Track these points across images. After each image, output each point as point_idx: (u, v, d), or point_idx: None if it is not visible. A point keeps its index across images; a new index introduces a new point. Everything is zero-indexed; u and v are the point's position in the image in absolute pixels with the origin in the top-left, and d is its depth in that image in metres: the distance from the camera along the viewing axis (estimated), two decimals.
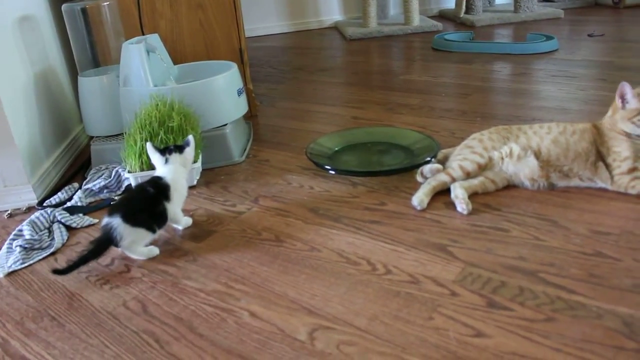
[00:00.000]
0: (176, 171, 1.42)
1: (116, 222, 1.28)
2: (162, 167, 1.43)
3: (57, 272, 1.28)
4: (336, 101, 2.51)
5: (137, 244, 1.33)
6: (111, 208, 1.33)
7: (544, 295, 1.09)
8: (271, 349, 1.02)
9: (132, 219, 1.30)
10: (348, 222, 1.43)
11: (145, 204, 1.35)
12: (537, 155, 1.48)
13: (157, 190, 1.38)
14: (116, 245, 1.30)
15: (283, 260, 1.29)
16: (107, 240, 1.29)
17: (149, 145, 1.45)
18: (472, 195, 1.47)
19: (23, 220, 1.58)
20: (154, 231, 1.35)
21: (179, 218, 1.44)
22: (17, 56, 1.81)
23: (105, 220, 1.30)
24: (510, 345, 0.97)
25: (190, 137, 1.48)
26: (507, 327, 1.02)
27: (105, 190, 1.74)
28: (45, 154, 1.90)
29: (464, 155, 1.54)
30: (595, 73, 2.58)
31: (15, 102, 1.73)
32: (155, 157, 1.44)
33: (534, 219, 1.36)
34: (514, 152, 1.50)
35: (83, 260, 1.27)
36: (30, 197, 1.72)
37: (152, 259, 1.34)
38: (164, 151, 1.44)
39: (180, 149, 1.45)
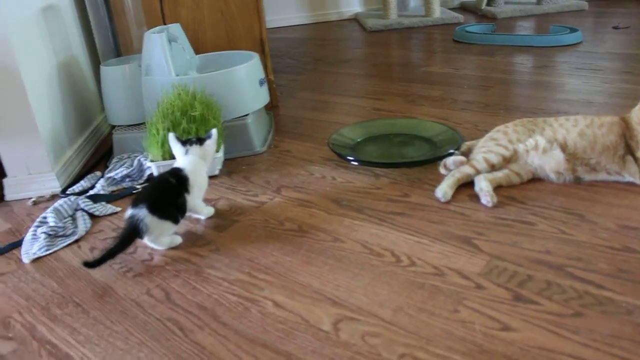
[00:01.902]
0: (195, 163, 1.41)
1: (142, 213, 1.27)
2: (182, 158, 1.42)
3: (87, 264, 1.26)
4: (357, 92, 2.50)
5: (162, 235, 1.32)
6: (135, 199, 1.32)
7: (572, 290, 1.07)
8: (295, 339, 1.01)
9: (159, 211, 1.29)
10: (371, 214, 1.42)
11: (170, 196, 1.34)
12: (564, 148, 1.46)
13: (178, 181, 1.36)
14: (141, 238, 1.30)
15: (306, 251, 1.28)
16: (133, 233, 1.28)
17: (170, 136, 1.44)
18: (497, 188, 1.45)
19: (47, 207, 1.59)
20: (177, 222, 1.35)
21: (200, 209, 1.44)
22: (41, 46, 1.82)
23: (130, 211, 1.29)
24: (538, 339, 0.96)
25: (214, 131, 1.47)
26: (534, 321, 1.00)
27: (127, 179, 1.74)
28: (68, 142, 1.91)
29: (488, 148, 1.52)
30: (620, 66, 2.53)
31: (39, 91, 1.74)
32: (176, 148, 1.44)
33: (560, 213, 1.34)
34: (539, 145, 1.47)
35: (111, 253, 1.26)
36: (54, 185, 1.73)
37: (175, 248, 1.34)
38: (185, 142, 1.43)
39: (201, 141, 1.44)
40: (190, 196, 1.37)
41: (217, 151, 1.63)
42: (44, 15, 1.87)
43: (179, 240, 1.36)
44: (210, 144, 1.45)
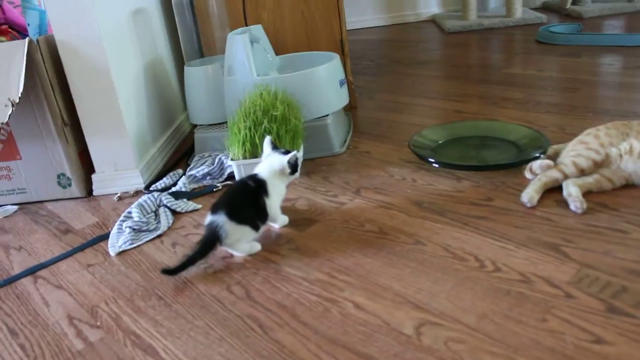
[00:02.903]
0: (270, 169, 1.39)
1: (221, 220, 1.27)
2: (262, 163, 1.41)
3: (166, 272, 1.27)
4: (436, 94, 2.45)
5: (241, 241, 1.31)
6: (214, 205, 1.31)
7: None
8: (376, 341, 1.00)
9: (237, 216, 1.28)
10: (453, 217, 1.38)
11: (248, 200, 1.33)
12: None
13: (257, 185, 1.35)
14: (221, 244, 1.29)
15: (387, 253, 1.26)
16: (213, 239, 1.27)
17: (267, 139, 1.45)
18: (587, 194, 1.39)
19: (131, 203, 1.65)
20: (257, 229, 1.33)
21: (276, 216, 1.41)
22: (130, 48, 1.89)
23: (209, 218, 1.29)
24: (635, 355, 0.90)
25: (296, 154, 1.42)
26: (630, 335, 0.94)
27: (208, 177, 1.78)
28: (152, 140, 1.97)
29: (577, 152, 1.46)
30: None
31: (127, 91, 1.80)
32: (266, 149, 1.43)
33: None
34: (634, 149, 1.39)
35: (191, 261, 1.26)
36: (138, 182, 1.79)
37: None
38: (276, 148, 1.43)
39: (285, 153, 1.40)
40: (269, 200, 1.35)
41: (297, 150, 1.63)
42: (134, 18, 1.94)
43: (258, 247, 1.34)
44: (291, 157, 1.40)
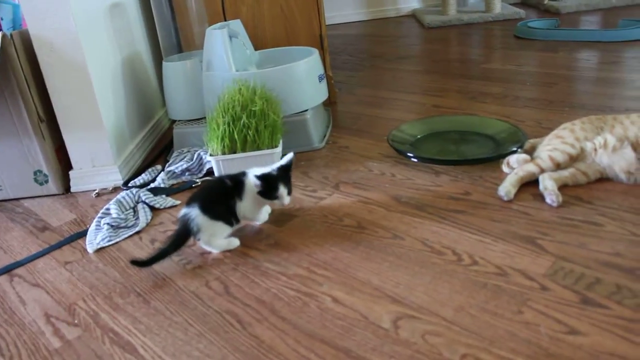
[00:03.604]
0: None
1: (194, 213, 1.26)
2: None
3: (136, 263, 1.27)
4: (416, 89, 2.46)
5: (216, 237, 1.30)
6: (189, 198, 1.30)
7: None
8: (354, 335, 1.00)
9: (210, 211, 1.27)
10: (432, 211, 1.39)
11: (222, 197, 1.32)
12: (635, 146, 1.39)
13: (234, 184, 1.33)
14: (194, 237, 1.28)
15: (365, 247, 1.27)
16: (185, 232, 1.27)
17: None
18: (562, 188, 1.40)
19: (109, 199, 1.63)
20: (231, 225, 1.32)
21: (253, 216, 1.38)
22: (107, 42, 1.87)
23: (183, 210, 1.28)
24: (608, 344, 0.92)
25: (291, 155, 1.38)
26: (603, 325, 0.96)
27: (187, 173, 1.77)
28: (130, 136, 1.95)
29: (553, 146, 1.47)
30: None
31: (104, 87, 1.78)
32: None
33: (631, 214, 1.28)
34: (608, 143, 1.41)
35: (163, 254, 1.26)
36: (116, 178, 1.78)
37: None
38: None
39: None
40: (241, 203, 1.32)
41: (276, 146, 1.63)
42: (110, 12, 1.92)
43: (236, 243, 1.33)
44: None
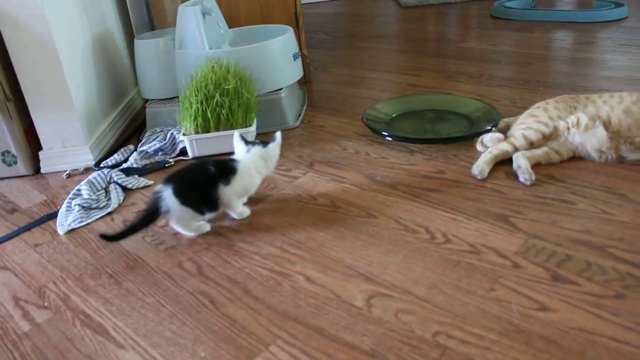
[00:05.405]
0: (252, 161, 1.34)
1: (167, 193, 1.23)
2: (242, 155, 1.36)
3: (105, 237, 1.25)
4: (391, 68, 2.45)
5: (184, 220, 1.28)
6: (167, 177, 1.27)
7: (613, 271, 1.04)
8: (327, 314, 1.00)
9: (182, 196, 1.24)
10: (406, 190, 1.39)
11: (201, 184, 1.27)
12: (607, 125, 1.40)
13: (219, 171, 1.29)
14: (161, 215, 1.24)
15: (339, 226, 1.27)
16: (154, 209, 1.24)
17: (236, 134, 1.39)
18: (535, 166, 1.41)
19: (81, 180, 1.60)
20: (202, 214, 1.28)
21: (233, 205, 1.34)
22: (77, 19, 1.82)
23: (157, 187, 1.25)
24: (577, 320, 0.93)
25: (278, 134, 1.39)
26: (573, 301, 0.97)
27: (160, 153, 1.75)
28: (102, 116, 1.92)
29: (527, 124, 1.48)
30: None
31: (74, 65, 1.74)
32: (239, 147, 1.37)
33: (602, 192, 1.30)
34: (581, 122, 1.42)
35: (132, 229, 1.24)
36: (88, 158, 1.74)
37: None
38: (249, 143, 1.37)
39: (264, 144, 1.37)
40: (227, 188, 1.28)
41: (250, 125, 1.61)
42: None
43: (207, 228, 1.31)
44: (274, 147, 1.37)
